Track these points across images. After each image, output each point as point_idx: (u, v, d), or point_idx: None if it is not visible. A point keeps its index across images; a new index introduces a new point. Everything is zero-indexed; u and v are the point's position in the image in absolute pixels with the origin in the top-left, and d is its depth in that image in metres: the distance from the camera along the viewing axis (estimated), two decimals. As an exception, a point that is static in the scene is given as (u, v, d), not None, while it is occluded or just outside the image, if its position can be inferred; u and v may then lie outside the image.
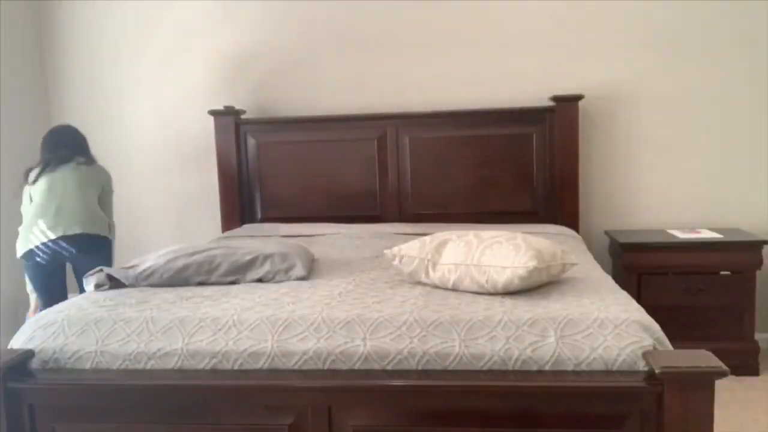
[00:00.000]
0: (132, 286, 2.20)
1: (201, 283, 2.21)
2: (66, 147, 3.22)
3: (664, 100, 3.53)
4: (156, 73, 3.88)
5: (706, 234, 3.32)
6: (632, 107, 3.55)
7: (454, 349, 1.67)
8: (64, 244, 3.07)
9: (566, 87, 3.50)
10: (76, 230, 3.07)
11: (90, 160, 3.29)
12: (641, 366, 1.60)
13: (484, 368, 1.66)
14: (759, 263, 3.18)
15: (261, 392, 1.68)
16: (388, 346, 1.70)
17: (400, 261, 2.11)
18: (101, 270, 2.24)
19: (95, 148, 4.02)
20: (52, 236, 3.05)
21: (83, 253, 3.11)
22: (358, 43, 3.71)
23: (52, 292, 3.16)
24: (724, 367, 1.49)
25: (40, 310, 2.93)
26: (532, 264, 1.85)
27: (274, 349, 1.73)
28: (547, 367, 1.64)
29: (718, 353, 1.56)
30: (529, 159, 3.50)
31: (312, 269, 2.37)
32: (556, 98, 3.45)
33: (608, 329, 1.66)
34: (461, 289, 1.98)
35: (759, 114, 3.47)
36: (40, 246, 3.07)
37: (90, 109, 3.95)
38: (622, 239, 3.29)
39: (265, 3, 3.75)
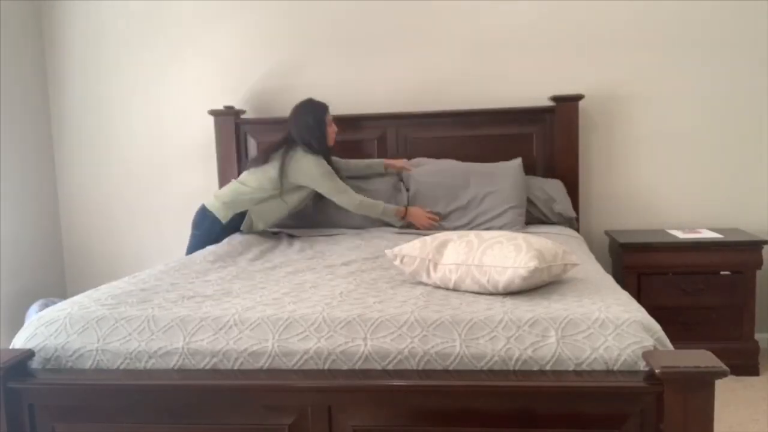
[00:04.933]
0: None
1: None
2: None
3: (664, 100, 3.53)
4: (156, 72, 3.88)
5: (706, 234, 3.32)
6: (632, 107, 3.56)
7: (455, 349, 1.67)
8: None
9: (566, 87, 3.50)
10: None
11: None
12: (642, 366, 1.60)
13: (485, 368, 1.66)
14: (759, 263, 3.18)
15: (261, 392, 1.68)
16: (388, 346, 1.69)
17: (401, 261, 2.11)
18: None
19: (95, 149, 4.04)
20: None
21: None
22: (358, 42, 3.71)
23: None
24: (724, 367, 1.49)
25: None
26: (533, 264, 1.85)
27: (275, 349, 1.73)
28: (547, 367, 1.64)
29: (718, 353, 1.56)
30: (529, 159, 3.50)
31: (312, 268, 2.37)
32: (556, 98, 3.46)
33: (609, 329, 1.66)
34: (462, 289, 1.98)
35: (759, 114, 3.48)
36: None
37: (90, 110, 3.95)
38: (622, 239, 3.30)
39: (265, 3, 3.75)
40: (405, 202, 3.30)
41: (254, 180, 3.21)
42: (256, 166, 3.25)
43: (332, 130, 3.31)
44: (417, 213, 3.23)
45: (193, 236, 3.24)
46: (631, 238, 3.31)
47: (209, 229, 3.18)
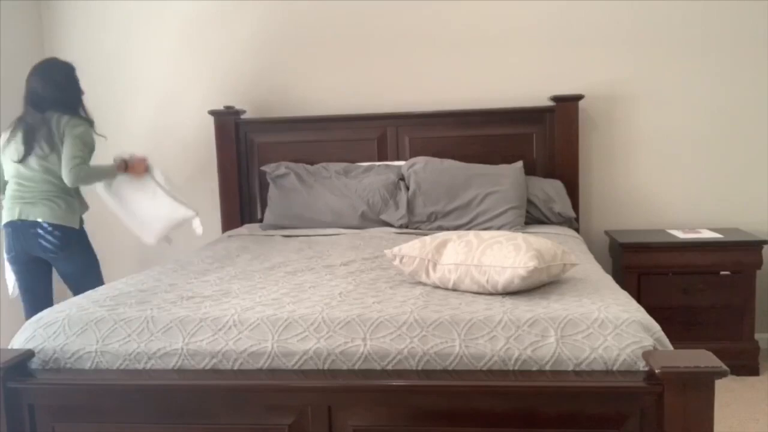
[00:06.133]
0: None
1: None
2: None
3: (664, 100, 3.53)
4: (156, 73, 3.88)
5: (706, 234, 3.32)
6: (632, 107, 3.56)
7: (454, 349, 1.67)
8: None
9: (566, 87, 3.50)
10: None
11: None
12: (641, 366, 1.61)
13: (484, 368, 1.66)
14: (759, 263, 3.18)
15: (261, 392, 1.68)
16: (388, 346, 1.70)
17: (401, 261, 2.11)
18: None
19: (95, 150, 4.03)
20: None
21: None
22: (358, 43, 3.71)
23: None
24: (724, 367, 1.49)
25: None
26: (532, 264, 1.85)
27: (274, 349, 1.73)
28: (547, 367, 1.64)
29: (718, 353, 1.56)
30: (529, 159, 3.50)
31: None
32: (556, 98, 3.45)
33: (608, 329, 1.66)
34: (461, 289, 1.98)
35: (759, 114, 3.47)
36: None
37: (90, 109, 3.93)
38: (622, 239, 3.30)
39: (266, 3, 3.75)
40: (404, 201, 3.30)
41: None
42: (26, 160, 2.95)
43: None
44: (137, 166, 3.21)
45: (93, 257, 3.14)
46: (631, 238, 3.31)
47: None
